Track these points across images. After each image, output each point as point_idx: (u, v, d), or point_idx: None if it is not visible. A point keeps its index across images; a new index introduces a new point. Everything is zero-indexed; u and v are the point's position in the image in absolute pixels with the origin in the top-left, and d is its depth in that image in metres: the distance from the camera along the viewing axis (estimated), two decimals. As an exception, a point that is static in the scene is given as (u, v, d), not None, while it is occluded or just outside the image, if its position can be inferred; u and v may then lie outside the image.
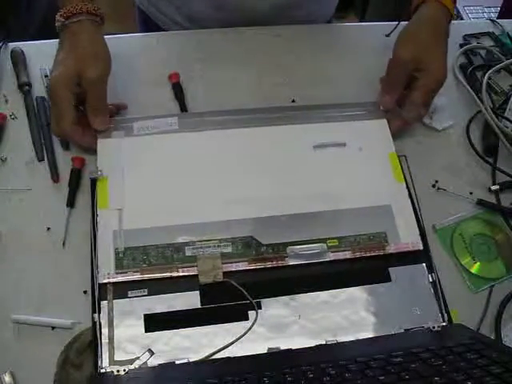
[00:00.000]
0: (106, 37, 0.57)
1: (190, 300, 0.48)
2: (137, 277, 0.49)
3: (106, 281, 0.48)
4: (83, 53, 0.53)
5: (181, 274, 0.49)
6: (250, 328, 0.47)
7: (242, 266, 0.50)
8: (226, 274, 0.49)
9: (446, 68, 0.58)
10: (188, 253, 0.50)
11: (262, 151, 0.57)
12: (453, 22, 0.61)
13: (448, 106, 0.65)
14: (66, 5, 0.54)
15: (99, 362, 0.45)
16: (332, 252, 0.52)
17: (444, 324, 0.49)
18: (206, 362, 0.45)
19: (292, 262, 0.51)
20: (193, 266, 0.49)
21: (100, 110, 0.55)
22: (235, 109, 0.60)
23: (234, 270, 0.50)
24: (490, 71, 0.68)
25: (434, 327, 0.49)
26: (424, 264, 0.53)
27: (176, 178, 0.54)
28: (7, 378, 0.45)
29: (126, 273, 0.49)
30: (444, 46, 0.59)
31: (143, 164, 0.55)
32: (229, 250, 0.51)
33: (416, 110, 0.59)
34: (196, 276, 0.49)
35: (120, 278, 0.48)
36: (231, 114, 0.59)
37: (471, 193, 0.60)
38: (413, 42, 0.58)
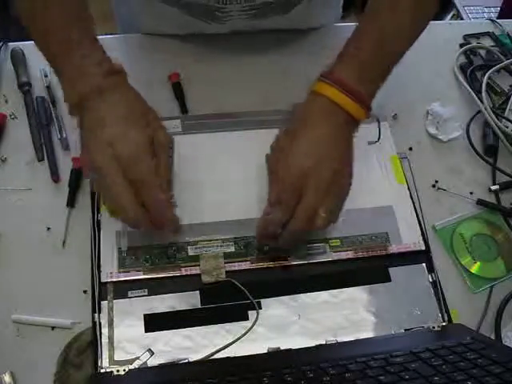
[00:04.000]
0: (106, 37, 0.57)
1: (191, 300, 0.48)
2: (139, 276, 0.49)
3: (108, 280, 0.48)
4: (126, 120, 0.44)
5: (183, 273, 0.49)
6: (250, 328, 0.47)
7: (245, 265, 0.50)
8: (227, 273, 0.49)
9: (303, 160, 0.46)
10: (191, 252, 0.50)
11: (265, 153, 0.57)
12: (453, 22, 0.61)
13: (455, 117, 0.63)
14: (76, 86, 0.43)
15: (99, 362, 0.45)
16: (334, 252, 0.52)
17: (444, 324, 0.49)
18: (206, 361, 0.45)
19: (294, 262, 0.51)
20: (195, 266, 0.49)
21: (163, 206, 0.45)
22: (238, 111, 0.60)
23: (236, 269, 0.50)
24: (490, 71, 0.68)
25: (433, 327, 0.49)
26: (424, 264, 0.53)
27: (178, 179, 0.54)
28: (7, 378, 0.45)
29: (129, 272, 0.49)
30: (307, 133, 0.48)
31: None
32: (231, 249, 0.51)
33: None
34: (196, 276, 0.49)
35: (123, 278, 0.48)
36: (234, 117, 0.59)
37: (471, 193, 0.60)
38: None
